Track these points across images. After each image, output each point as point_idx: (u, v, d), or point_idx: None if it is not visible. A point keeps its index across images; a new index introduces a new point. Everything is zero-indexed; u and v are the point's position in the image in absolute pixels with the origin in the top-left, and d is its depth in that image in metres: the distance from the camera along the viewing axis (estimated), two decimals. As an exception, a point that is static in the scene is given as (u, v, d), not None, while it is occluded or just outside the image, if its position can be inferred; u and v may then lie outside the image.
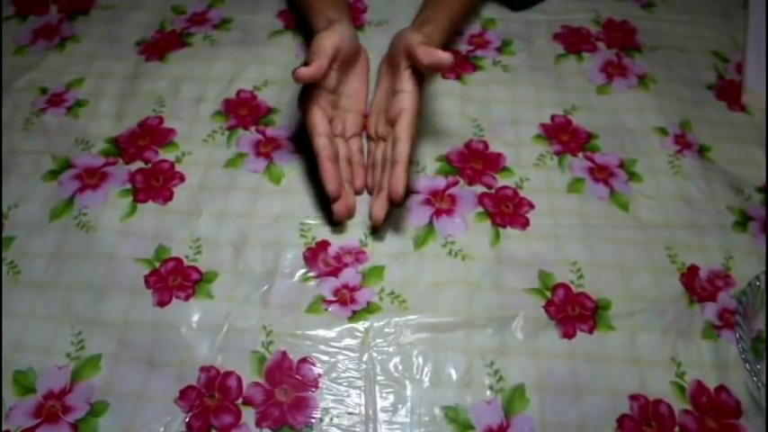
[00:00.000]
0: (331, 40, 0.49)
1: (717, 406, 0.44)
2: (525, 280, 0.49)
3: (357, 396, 0.44)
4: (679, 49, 0.66)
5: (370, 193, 0.53)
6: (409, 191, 0.53)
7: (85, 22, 0.67)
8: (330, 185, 0.48)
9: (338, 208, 0.50)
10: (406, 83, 0.49)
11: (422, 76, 0.50)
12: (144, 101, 0.59)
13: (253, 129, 0.58)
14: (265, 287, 0.48)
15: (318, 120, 0.49)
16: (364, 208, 0.52)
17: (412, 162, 0.50)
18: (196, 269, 0.49)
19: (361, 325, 0.47)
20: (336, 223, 0.51)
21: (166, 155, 0.56)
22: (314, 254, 0.50)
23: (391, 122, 0.50)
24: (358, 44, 0.54)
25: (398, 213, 0.52)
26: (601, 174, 0.55)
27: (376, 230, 0.51)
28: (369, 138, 0.56)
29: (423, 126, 0.56)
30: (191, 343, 0.46)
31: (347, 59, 0.52)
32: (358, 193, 0.53)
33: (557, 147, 0.57)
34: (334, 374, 0.45)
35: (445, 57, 0.46)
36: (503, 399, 0.44)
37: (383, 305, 0.48)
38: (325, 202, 0.51)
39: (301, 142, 0.56)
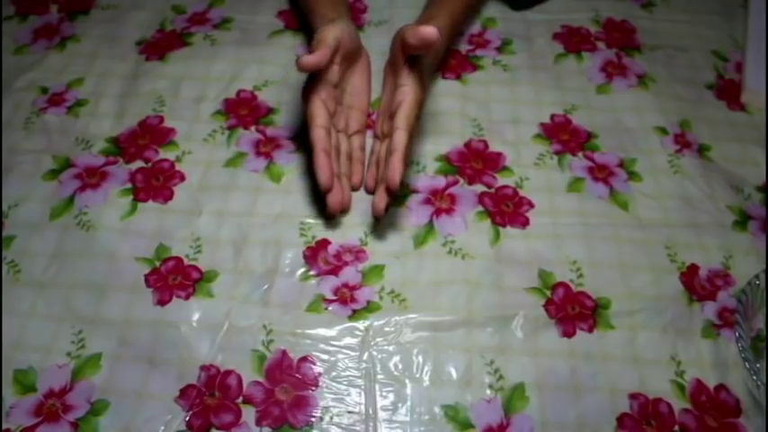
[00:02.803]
0: (333, 32, 0.50)
1: (716, 405, 0.44)
2: (525, 279, 0.49)
3: (357, 395, 0.44)
4: (679, 48, 0.66)
5: (369, 192, 0.53)
6: (408, 187, 0.53)
7: (85, 21, 0.67)
8: (323, 176, 0.48)
9: (332, 200, 0.50)
10: (406, 77, 0.49)
11: (422, 70, 0.50)
12: (144, 100, 0.59)
13: (253, 128, 0.58)
14: (265, 286, 0.48)
15: (318, 111, 0.49)
16: (364, 207, 0.52)
17: (411, 155, 0.50)
18: (196, 268, 0.49)
19: (361, 324, 0.47)
20: (330, 216, 0.51)
21: (166, 154, 0.56)
22: (314, 253, 0.50)
23: (392, 117, 0.50)
24: (359, 42, 0.55)
25: (399, 212, 0.52)
26: (600, 173, 0.55)
27: (377, 221, 0.51)
28: (376, 137, 0.56)
29: (423, 126, 0.56)
30: (191, 342, 0.46)
31: (349, 55, 0.53)
32: (355, 189, 0.53)
33: (556, 146, 0.57)
34: (334, 373, 0.45)
35: (429, 30, 0.45)
36: (503, 397, 0.44)
37: (383, 304, 0.48)
38: (323, 199, 0.50)
39: (302, 141, 0.56)
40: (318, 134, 0.48)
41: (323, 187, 0.48)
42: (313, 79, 0.50)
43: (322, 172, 0.48)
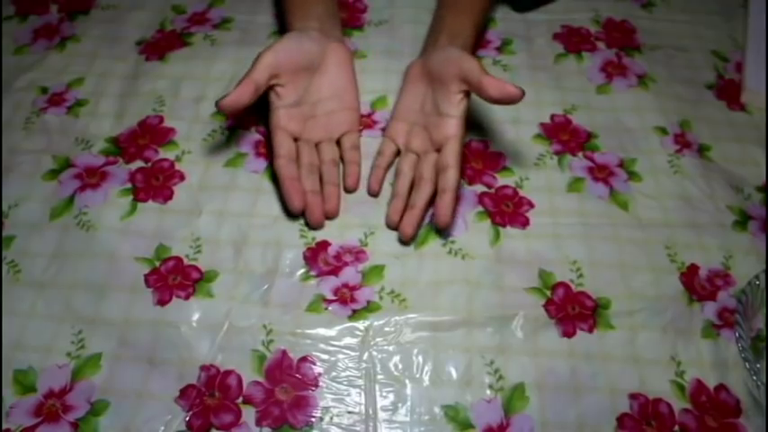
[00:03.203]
0: (264, 60, 0.49)
1: (716, 405, 0.44)
2: (525, 279, 0.49)
3: (357, 395, 0.44)
4: (679, 48, 0.66)
5: (372, 194, 0.53)
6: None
7: (85, 21, 0.67)
8: (293, 203, 0.49)
9: (309, 218, 0.50)
10: (456, 108, 0.49)
11: (468, 100, 0.49)
12: (144, 100, 0.59)
13: (253, 129, 0.58)
14: (265, 286, 0.48)
15: (278, 141, 0.50)
16: (363, 208, 0.52)
17: (460, 189, 0.50)
18: (196, 268, 0.49)
19: (361, 324, 0.47)
20: (314, 229, 0.51)
21: (166, 154, 0.56)
22: (314, 253, 0.50)
23: (435, 145, 0.50)
24: (317, 48, 0.52)
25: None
26: (600, 173, 0.55)
27: (405, 243, 0.50)
28: (389, 139, 0.54)
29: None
30: (191, 342, 0.46)
31: (302, 68, 0.51)
32: (350, 191, 0.53)
33: (556, 146, 0.57)
34: (334, 373, 0.45)
35: (517, 92, 0.45)
36: (503, 398, 0.44)
37: (383, 304, 0.48)
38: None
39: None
40: (279, 164, 0.49)
41: (295, 212, 0.50)
42: (267, 108, 0.50)
43: (291, 200, 0.49)
